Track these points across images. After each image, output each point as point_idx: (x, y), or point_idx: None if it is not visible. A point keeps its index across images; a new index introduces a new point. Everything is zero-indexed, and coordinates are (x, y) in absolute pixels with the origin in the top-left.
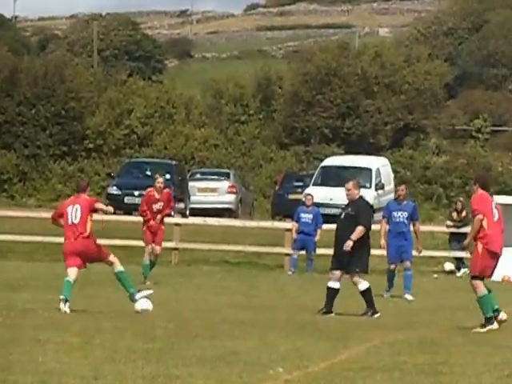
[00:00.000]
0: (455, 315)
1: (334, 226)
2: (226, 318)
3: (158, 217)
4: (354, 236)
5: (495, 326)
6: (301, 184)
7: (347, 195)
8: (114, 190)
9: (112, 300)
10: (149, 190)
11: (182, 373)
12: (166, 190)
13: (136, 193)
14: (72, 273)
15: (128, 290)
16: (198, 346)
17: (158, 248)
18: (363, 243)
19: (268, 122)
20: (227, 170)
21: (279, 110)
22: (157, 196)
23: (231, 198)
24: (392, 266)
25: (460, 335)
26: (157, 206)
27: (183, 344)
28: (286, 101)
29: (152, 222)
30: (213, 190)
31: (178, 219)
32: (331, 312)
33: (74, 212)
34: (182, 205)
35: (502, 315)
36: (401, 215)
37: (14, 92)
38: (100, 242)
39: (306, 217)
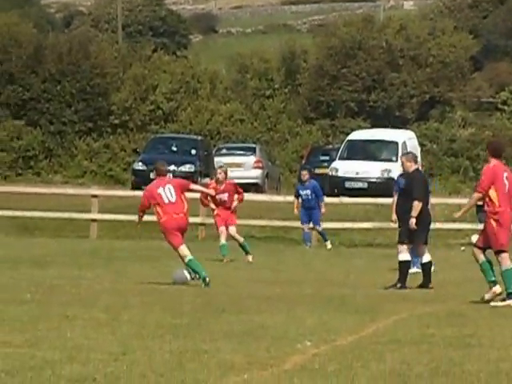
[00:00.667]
0: (482, 288)
1: (359, 200)
2: (252, 292)
3: (235, 203)
4: (414, 212)
5: None
6: (327, 158)
7: (403, 169)
8: (139, 166)
9: (139, 276)
10: (210, 182)
11: (210, 347)
12: (229, 181)
13: None
14: (186, 251)
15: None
16: (225, 321)
17: (231, 229)
18: (419, 215)
19: (293, 97)
20: (253, 145)
21: (304, 84)
22: (220, 187)
23: (257, 172)
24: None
25: (487, 308)
26: (221, 197)
27: (210, 319)
28: (310, 75)
29: (217, 211)
30: (239, 165)
31: None
32: (405, 287)
33: (167, 192)
34: (207, 180)
35: (497, 288)
36: None
37: (39, 69)
38: (124, 217)
39: (305, 193)
